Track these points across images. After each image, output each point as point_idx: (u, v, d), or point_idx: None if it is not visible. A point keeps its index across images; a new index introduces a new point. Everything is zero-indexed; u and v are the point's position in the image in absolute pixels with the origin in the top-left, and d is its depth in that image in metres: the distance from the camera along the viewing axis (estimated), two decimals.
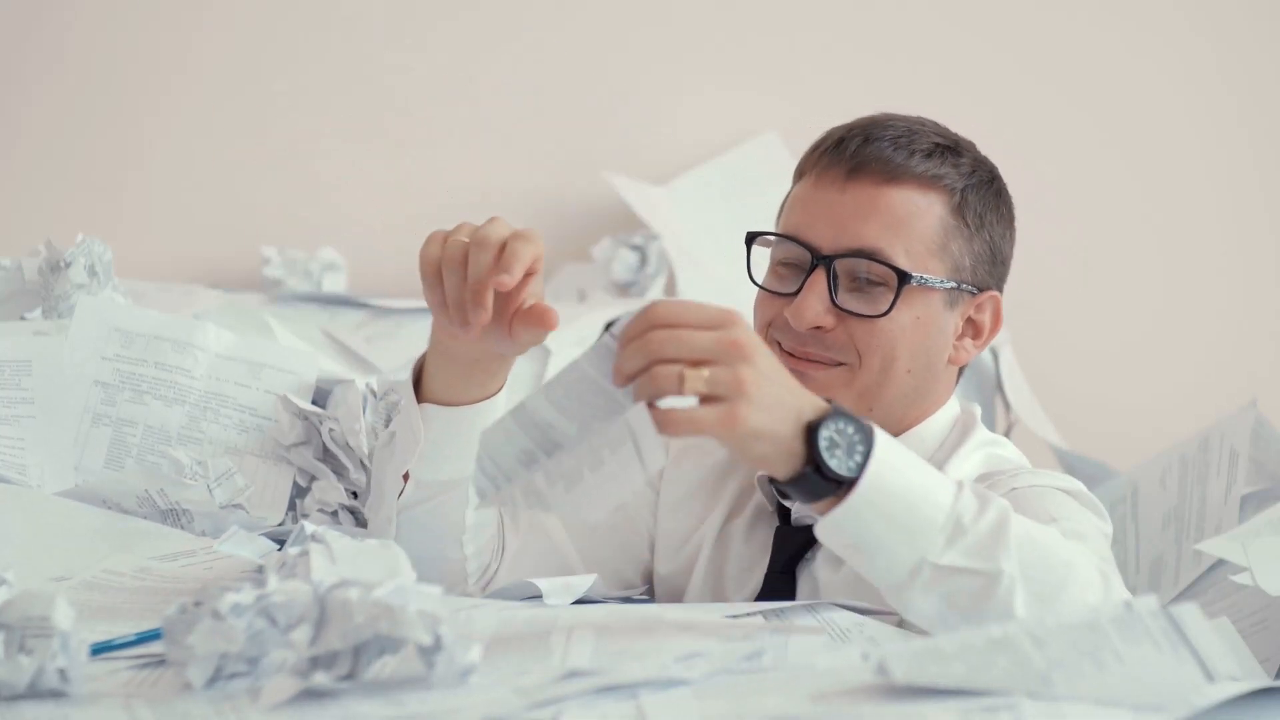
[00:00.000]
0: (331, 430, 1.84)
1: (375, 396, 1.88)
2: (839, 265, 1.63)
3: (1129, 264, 3.21)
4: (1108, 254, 3.21)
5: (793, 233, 1.66)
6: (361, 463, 1.84)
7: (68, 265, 1.95)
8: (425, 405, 1.58)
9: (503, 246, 1.47)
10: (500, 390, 1.60)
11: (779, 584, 1.68)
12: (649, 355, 1.26)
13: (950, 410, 1.71)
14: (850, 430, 1.27)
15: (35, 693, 1.17)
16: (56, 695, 1.17)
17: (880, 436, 1.28)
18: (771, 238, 1.68)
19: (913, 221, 1.64)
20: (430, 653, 1.14)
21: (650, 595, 1.82)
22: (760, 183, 3.13)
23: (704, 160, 3.13)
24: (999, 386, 2.82)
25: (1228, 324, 3.22)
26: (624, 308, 2.83)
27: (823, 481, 1.27)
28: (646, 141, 3.15)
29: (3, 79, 3.01)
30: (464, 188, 3.09)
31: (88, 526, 1.62)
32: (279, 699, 1.13)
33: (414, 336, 2.65)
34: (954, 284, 1.65)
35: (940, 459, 1.67)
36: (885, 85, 3.16)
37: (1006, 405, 2.81)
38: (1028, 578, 1.29)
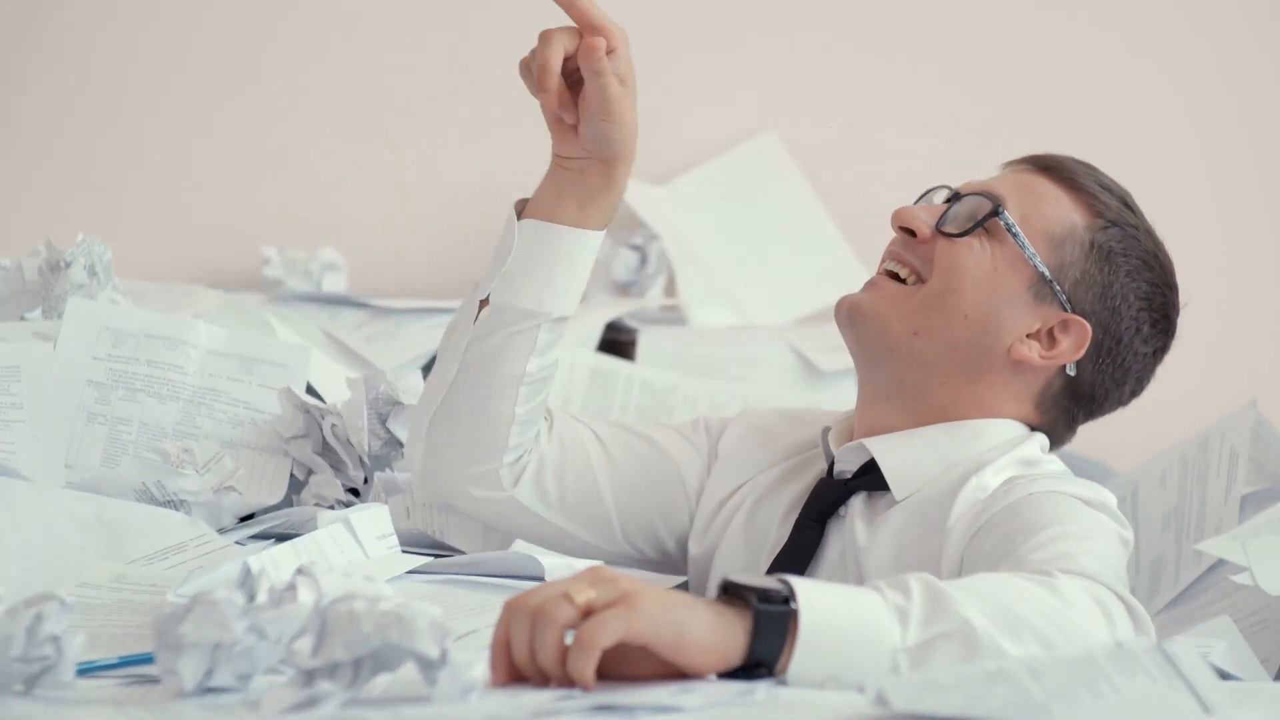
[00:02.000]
0: (334, 426, 1.84)
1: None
2: (964, 202, 1.67)
3: None
4: None
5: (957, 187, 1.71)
6: (361, 460, 1.84)
7: (68, 265, 1.95)
8: (528, 221, 1.66)
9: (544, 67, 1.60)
10: (601, 230, 1.68)
11: (808, 531, 1.67)
12: (528, 615, 1.18)
13: (1014, 427, 1.69)
14: (753, 575, 1.25)
15: (28, 670, 1.16)
16: (49, 696, 1.17)
17: (786, 576, 1.26)
18: (944, 191, 1.72)
19: (1045, 205, 1.68)
20: (434, 667, 1.13)
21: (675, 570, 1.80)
22: (760, 183, 3.13)
23: (704, 160, 3.13)
24: None
25: (1228, 324, 3.22)
26: (624, 307, 2.83)
27: (775, 610, 1.22)
28: (646, 141, 3.14)
29: (3, 79, 3.01)
30: (464, 188, 3.09)
31: (77, 521, 1.62)
32: (277, 708, 1.13)
33: (414, 336, 2.65)
34: (1046, 270, 1.66)
35: (987, 457, 1.65)
36: (885, 85, 3.16)
37: None
38: (996, 620, 1.28)
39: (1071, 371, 1.68)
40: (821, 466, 1.74)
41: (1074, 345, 1.67)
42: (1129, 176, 3.23)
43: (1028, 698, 1.12)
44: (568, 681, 1.17)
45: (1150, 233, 1.73)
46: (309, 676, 1.14)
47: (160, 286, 2.68)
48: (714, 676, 1.23)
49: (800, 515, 1.69)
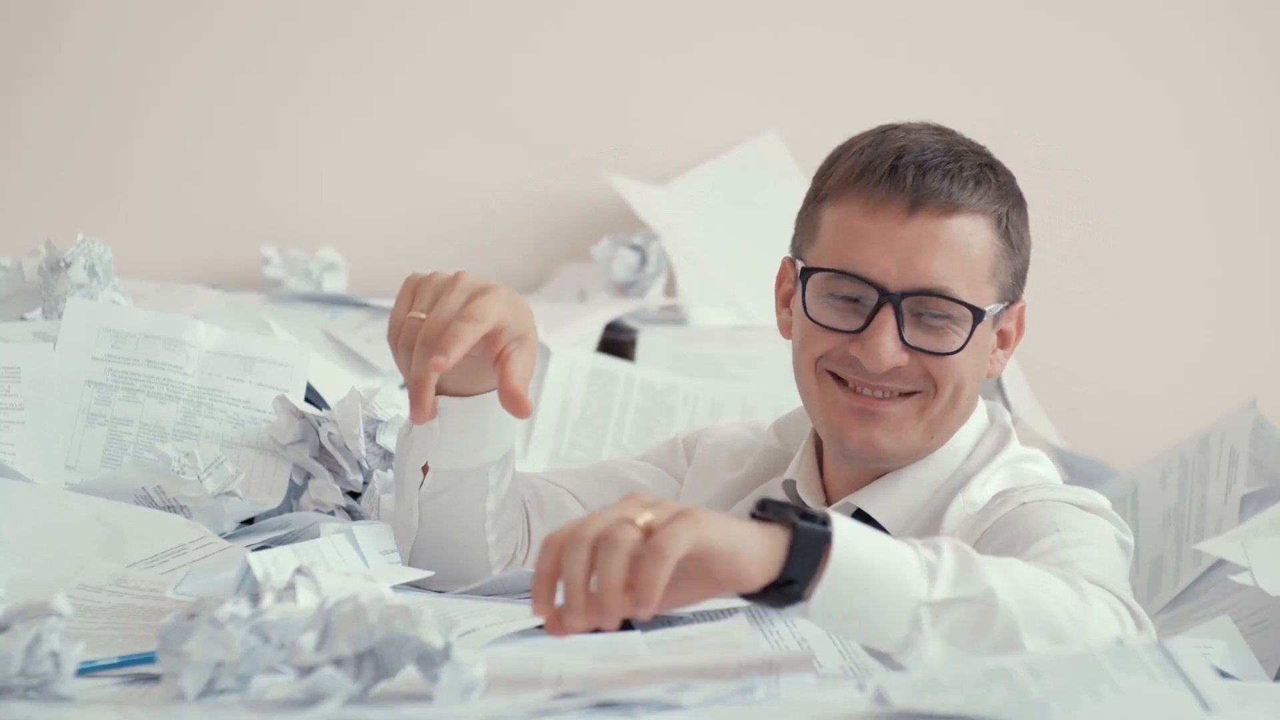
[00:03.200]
0: (331, 434, 1.84)
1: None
2: (907, 303, 1.61)
3: (1128, 263, 3.21)
4: (1107, 254, 3.21)
5: (853, 268, 1.62)
6: (359, 464, 1.84)
7: (68, 265, 1.95)
8: (440, 398, 1.58)
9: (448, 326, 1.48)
10: None
11: None
12: (586, 542, 1.20)
13: (979, 419, 1.69)
14: (786, 503, 1.27)
15: (27, 684, 1.16)
16: (48, 695, 1.17)
17: (825, 510, 1.28)
18: (827, 273, 1.64)
19: (968, 253, 1.62)
20: (436, 663, 1.13)
21: None
22: (760, 183, 3.13)
23: (704, 160, 3.13)
24: (999, 386, 2.82)
25: (1227, 324, 3.22)
26: (624, 307, 2.83)
27: (814, 529, 1.24)
28: (646, 141, 3.15)
29: (2, 79, 3.01)
30: (464, 188, 3.09)
31: (77, 522, 1.62)
32: (277, 698, 1.13)
33: None
34: (1003, 305, 1.65)
35: (968, 471, 1.66)
36: (885, 85, 3.16)
37: (1007, 405, 2.81)
38: (1019, 601, 1.29)
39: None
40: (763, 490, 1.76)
41: (1019, 324, 1.68)
42: (1129, 177, 3.23)
43: (1027, 697, 1.12)
44: (627, 607, 1.19)
45: (1006, 173, 1.66)
46: (311, 673, 1.14)
47: (160, 286, 2.68)
48: (739, 600, 1.26)
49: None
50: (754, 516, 1.25)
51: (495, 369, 1.53)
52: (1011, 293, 1.66)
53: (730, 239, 3.10)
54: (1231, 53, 3.21)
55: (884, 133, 1.66)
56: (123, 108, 3.04)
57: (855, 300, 1.62)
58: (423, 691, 1.15)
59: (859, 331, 1.62)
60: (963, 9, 3.19)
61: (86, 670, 1.25)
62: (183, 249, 3.05)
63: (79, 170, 3.04)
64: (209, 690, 1.16)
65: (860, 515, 1.67)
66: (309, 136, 3.09)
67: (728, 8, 3.17)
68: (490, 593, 1.60)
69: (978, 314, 1.61)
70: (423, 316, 1.51)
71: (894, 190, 1.61)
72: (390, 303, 2.68)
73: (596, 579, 1.20)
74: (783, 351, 2.83)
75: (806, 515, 1.25)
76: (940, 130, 1.68)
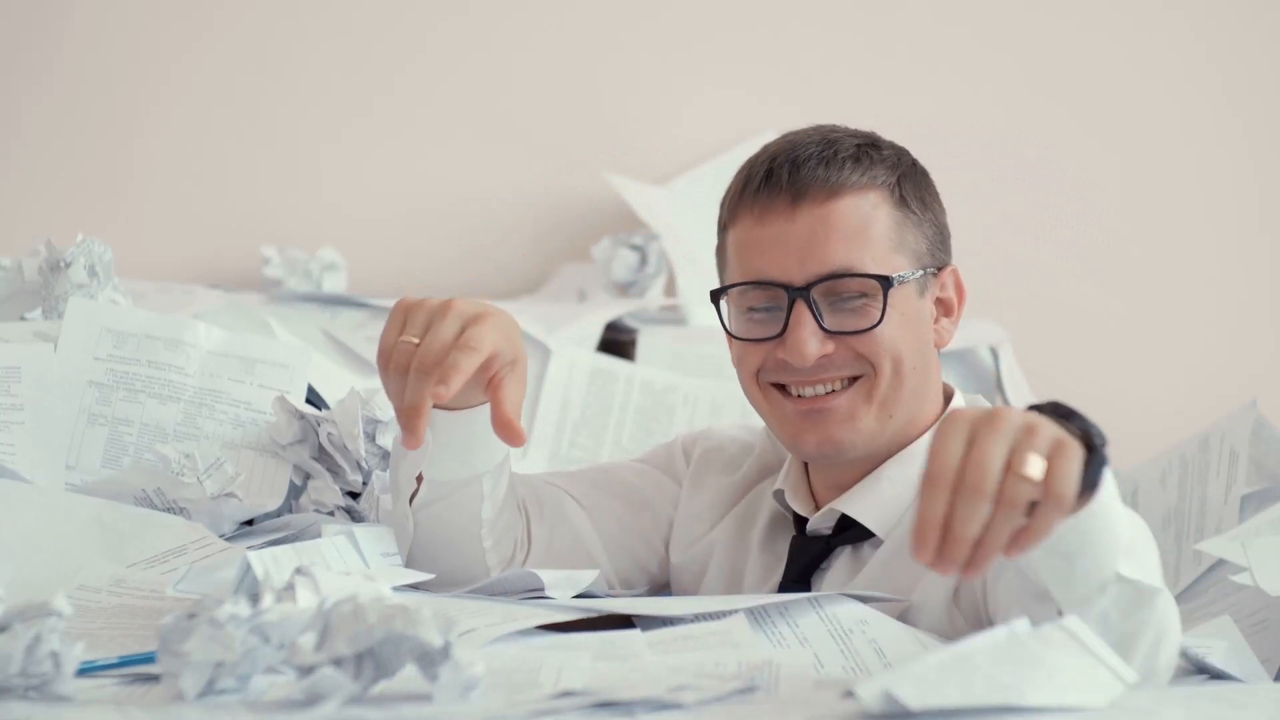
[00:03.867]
0: (330, 434, 1.84)
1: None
2: (816, 292, 1.63)
3: (1128, 263, 3.21)
4: (1107, 253, 3.21)
5: (756, 275, 1.65)
6: (359, 464, 1.84)
7: (68, 265, 1.95)
8: (433, 411, 1.58)
9: (446, 354, 1.48)
10: None
11: (794, 591, 1.67)
12: (986, 497, 1.21)
13: (934, 403, 1.71)
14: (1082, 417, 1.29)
15: (27, 684, 1.16)
16: (48, 695, 1.17)
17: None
18: (737, 288, 1.66)
19: (867, 228, 1.64)
20: (436, 662, 1.14)
21: (667, 590, 1.83)
22: None
23: (704, 160, 3.13)
24: (999, 386, 2.82)
25: (1227, 324, 3.22)
26: (624, 307, 2.83)
27: (1098, 466, 1.27)
28: (646, 141, 3.15)
29: (2, 79, 3.01)
30: (464, 188, 3.09)
31: (77, 523, 1.62)
32: (277, 698, 1.13)
33: None
34: (920, 271, 1.66)
35: None
36: (885, 85, 3.16)
37: (1006, 404, 2.81)
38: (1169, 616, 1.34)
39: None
40: (762, 486, 1.77)
41: (957, 288, 1.71)
42: (1129, 177, 3.23)
43: (996, 681, 1.13)
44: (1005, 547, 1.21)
45: (882, 139, 1.71)
46: (310, 673, 1.14)
47: (160, 286, 2.68)
48: None
49: (783, 580, 1.70)
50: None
51: (487, 394, 1.53)
52: (931, 259, 1.68)
53: None
54: (1231, 53, 3.21)
55: (765, 146, 1.71)
56: (123, 108, 3.04)
57: (769, 309, 1.65)
58: (422, 691, 1.15)
59: (781, 335, 1.64)
60: (963, 9, 3.19)
61: (86, 670, 1.26)
62: (183, 249, 3.05)
63: (79, 170, 3.04)
64: (209, 690, 1.16)
65: (845, 521, 1.68)
66: (309, 136, 3.09)
67: (728, 8, 3.17)
68: (491, 593, 1.60)
69: (885, 281, 1.63)
70: (416, 342, 1.50)
71: (774, 191, 1.65)
72: (390, 302, 2.69)
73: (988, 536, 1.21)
74: None
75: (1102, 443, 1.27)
76: (821, 128, 1.71)
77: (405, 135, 3.10)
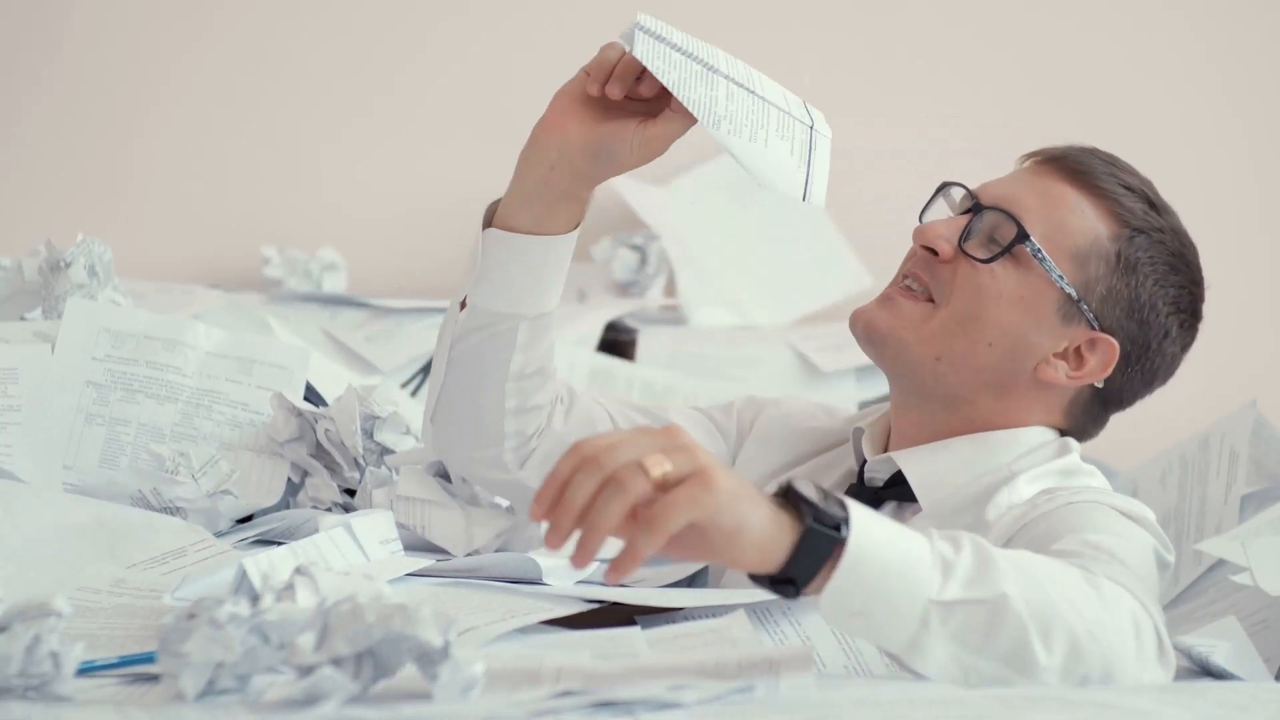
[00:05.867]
0: (328, 431, 1.84)
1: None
2: (986, 217, 1.64)
3: None
4: None
5: (972, 187, 1.68)
6: (356, 461, 1.84)
7: (68, 265, 1.95)
8: (491, 230, 1.64)
9: None
10: (567, 233, 1.63)
11: None
12: (601, 472, 1.17)
13: (1043, 433, 1.68)
14: (818, 489, 1.24)
15: (27, 684, 1.16)
16: (47, 695, 1.16)
17: (847, 500, 1.25)
18: (960, 190, 1.69)
19: (1070, 218, 1.65)
20: (435, 661, 1.13)
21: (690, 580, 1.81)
22: None
23: (704, 160, 3.12)
24: None
25: (1227, 324, 3.21)
26: (624, 307, 2.83)
27: (824, 533, 1.21)
28: None
29: (2, 79, 3.01)
30: (464, 188, 3.09)
31: (76, 524, 1.62)
32: (277, 698, 1.13)
33: (414, 336, 2.65)
34: (1073, 290, 1.64)
35: (1017, 469, 1.63)
36: (885, 85, 3.16)
37: None
38: (1033, 608, 1.26)
39: (1100, 384, 1.67)
40: (851, 465, 1.74)
41: (1102, 363, 1.65)
42: None
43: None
44: (623, 536, 1.17)
45: (1176, 230, 1.71)
46: (310, 673, 1.14)
47: (160, 286, 2.68)
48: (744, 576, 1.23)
49: None
50: (775, 496, 1.23)
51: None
52: (1100, 308, 1.65)
53: (730, 239, 3.10)
54: (1231, 53, 3.21)
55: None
56: (123, 108, 3.04)
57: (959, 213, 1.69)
58: (422, 691, 1.15)
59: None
60: (963, 9, 3.19)
61: (86, 670, 1.25)
62: (183, 249, 3.05)
63: (79, 170, 3.04)
64: (209, 690, 1.16)
65: (898, 476, 1.67)
66: (309, 136, 3.09)
67: (727, 8, 3.17)
68: (488, 575, 1.60)
69: (1022, 235, 1.63)
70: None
71: (1048, 153, 1.69)
72: (390, 302, 2.69)
73: (589, 518, 1.17)
74: (783, 351, 2.83)
75: (822, 517, 1.21)
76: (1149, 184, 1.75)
77: (405, 135, 3.10)
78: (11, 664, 1.15)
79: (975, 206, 1.66)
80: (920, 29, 3.18)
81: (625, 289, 2.92)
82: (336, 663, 1.13)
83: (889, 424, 1.73)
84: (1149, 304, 1.67)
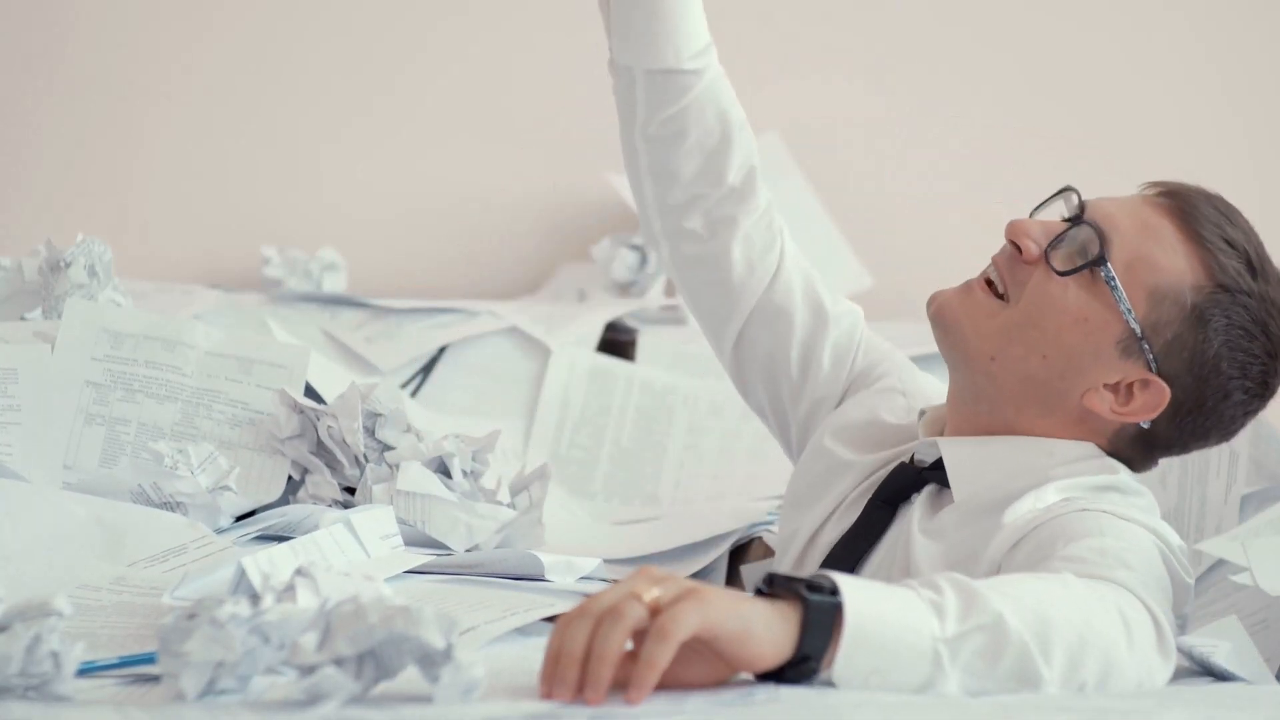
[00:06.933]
0: (330, 428, 1.84)
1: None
2: (1081, 230, 1.62)
3: None
4: None
5: (1085, 199, 1.66)
6: (357, 459, 1.84)
7: (68, 265, 1.95)
8: None
9: None
10: None
11: (879, 512, 1.69)
12: (592, 617, 1.17)
13: (1088, 448, 1.65)
14: (793, 577, 1.25)
15: (27, 684, 1.16)
16: (47, 695, 1.16)
17: (826, 571, 1.26)
18: (1075, 197, 1.67)
19: (1159, 255, 1.62)
20: (437, 663, 1.13)
21: None
22: None
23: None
24: None
25: None
26: (624, 307, 2.83)
27: (824, 601, 1.22)
28: None
29: (3, 79, 3.01)
30: (464, 187, 3.09)
31: (76, 523, 1.62)
32: (277, 698, 1.13)
33: (414, 336, 2.65)
34: (1138, 327, 1.61)
35: (1054, 475, 1.61)
36: (885, 85, 3.16)
37: None
38: (1027, 622, 1.28)
39: (1145, 425, 1.64)
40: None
41: (1148, 406, 1.62)
42: (1128, 177, 3.22)
43: None
44: (621, 684, 1.16)
45: (1267, 299, 1.64)
46: (311, 673, 1.14)
47: (160, 286, 2.68)
48: (753, 678, 1.23)
49: (874, 495, 1.70)
50: (760, 593, 1.24)
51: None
52: (1163, 351, 1.61)
53: None
54: (1231, 53, 3.21)
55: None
56: (123, 108, 3.04)
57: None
58: (423, 692, 1.15)
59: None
60: (963, 9, 3.19)
61: (86, 670, 1.25)
62: (183, 249, 3.05)
63: (79, 170, 3.04)
64: (209, 690, 1.16)
65: (941, 464, 1.67)
66: (309, 136, 3.09)
67: (727, 8, 3.17)
68: (489, 571, 1.60)
69: (1101, 259, 1.60)
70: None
71: (1168, 186, 1.68)
72: (390, 302, 2.69)
73: (594, 650, 1.16)
74: None
75: (815, 586, 1.23)
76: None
77: (405, 135, 3.10)
78: (11, 664, 1.16)
79: (1077, 217, 1.64)
80: (920, 29, 3.18)
81: (625, 289, 2.92)
82: (338, 663, 1.13)
83: (944, 412, 1.74)
84: (1213, 363, 1.62)
